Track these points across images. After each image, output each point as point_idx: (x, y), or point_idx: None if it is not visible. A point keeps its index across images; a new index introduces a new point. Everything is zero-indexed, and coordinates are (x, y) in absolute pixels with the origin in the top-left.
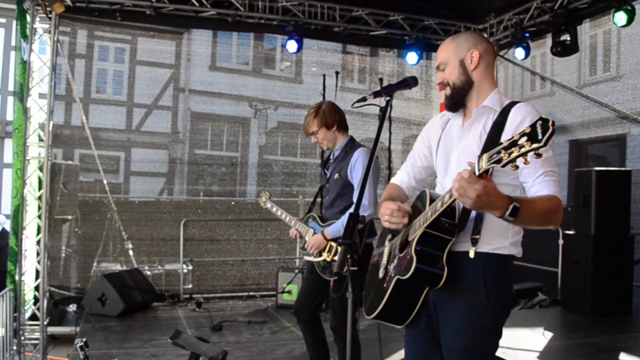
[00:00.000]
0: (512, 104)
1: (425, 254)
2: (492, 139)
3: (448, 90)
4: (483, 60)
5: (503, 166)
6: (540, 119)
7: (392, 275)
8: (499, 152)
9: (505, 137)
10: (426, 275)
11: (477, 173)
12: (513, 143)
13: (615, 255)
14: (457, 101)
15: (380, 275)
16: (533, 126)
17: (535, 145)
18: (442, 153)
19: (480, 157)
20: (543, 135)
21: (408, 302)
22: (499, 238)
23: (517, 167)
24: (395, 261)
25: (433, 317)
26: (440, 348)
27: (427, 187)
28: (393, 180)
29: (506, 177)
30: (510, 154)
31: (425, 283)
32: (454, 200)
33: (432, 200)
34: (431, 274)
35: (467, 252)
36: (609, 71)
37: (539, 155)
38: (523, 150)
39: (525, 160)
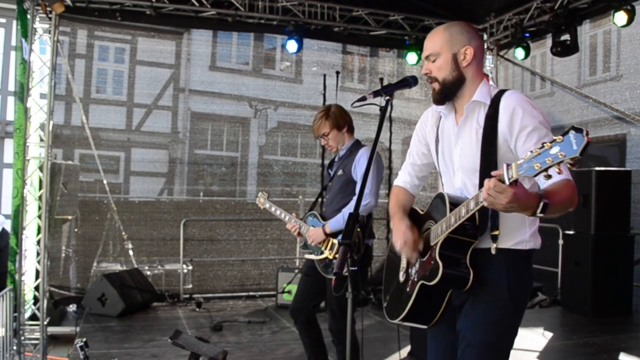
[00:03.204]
0: (501, 92)
1: (450, 258)
2: (489, 133)
3: (437, 86)
4: (476, 57)
5: (535, 176)
6: (573, 127)
7: (416, 280)
8: (530, 161)
9: (501, 129)
10: (453, 280)
11: (507, 182)
12: (545, 152)
13: (615, 255)
14: (446, 96)
15: (402, 279)
16: (565, 135)
17: (571, 156)
18: (442, 153)
19: (509, 166)
20: (578, 147)
21: (433, 304)
22: (518, 231)
23: (549, 176)
24: (417, 265)
25: (456, 313)
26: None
27: (438, 188)
28: (396, 182)
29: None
30: (543, 164)
31: (452, 287)
32: (481, 207)
33: (452, 204)
34: (458, 278)
35: (489, 249)
36: (609, 71)
37: (573, 165)
38: (558, 160)
39: (559, 169)
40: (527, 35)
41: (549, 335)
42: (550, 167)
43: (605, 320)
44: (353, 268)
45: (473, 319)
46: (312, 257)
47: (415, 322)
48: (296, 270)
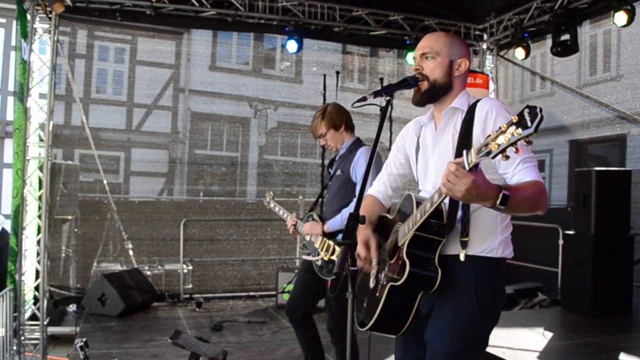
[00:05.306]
0: (478, 100)
1: (417, 257)
2: (464, 137)
3: (425, 85)
4: (466, 72)
5: (494, 157)
6: (527, 106)
7: (385, 283)
8: (487, 145)
9: (475, 133)
10: (420, 279)
11: (467, 167)
12: (501, 133)
13: (615, 255)
14: (431, 98)
15: (372, 285)
16: (520, 114)
17: (526, 132)
18: (421, 160)
19: (468, 151)
20: (532, 122)
21: (403, 309)
22: (488, 237)
23: (507, 157)
24: (387, 268)
25: (423, 322)
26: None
27: (412, 192)
28: (369, 190)
29: (486, 173)
30: (499, 144)
31: (420, 287)
32: (444, 198)
33: (418, 203)
34: (425, 277)
35: (458, 256)
36: (609, 71)
37: (529, 143)
38: (514, 139)
39: (516, 148)
40: (527, 35)
41: (549, 335)
42: (507, 146)
43: (605, 320)
44: (353, 268)
45: (439, 326)
46: (310, 258)
47: (384, 331)
48: (296, 270)
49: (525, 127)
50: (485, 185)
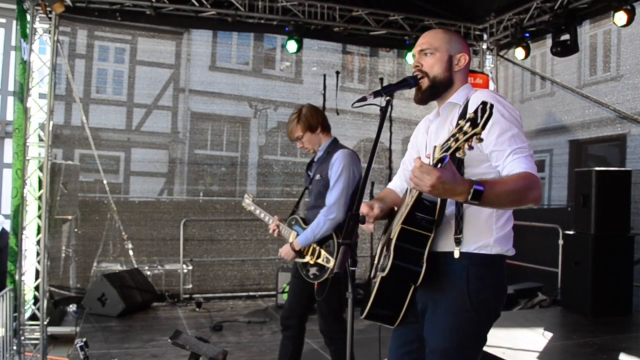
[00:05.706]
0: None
1: (403, 250)
2: None
3: (426, 82)
4: (467, 66)
5: (451, 154)
6: (482, 103)
7: (378, 273)
8: (448, 141)
9: None
10: (404, 272)
11: (431, 163)
12: (459, 130)
13: (615, 255)
14: (432, 94)
15: (372, 274)
16: (475, 111)
17: (474, 131)
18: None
19: (434, 148)
20: (481, 119)
21: (395, 300)
22: (483, 234)
23: (464, 153)
24: (382, 259)
25: (419, 317)
26: (423, 347)
27: None
28: (389, 185)
29: (480, 167)
30: (456, 140)
31: (405, 279)
32: (419, 192)
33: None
34: (409, 271)
35: (452, 253)
36: (609, 71)
37: (480, 140)
38: (466, 136)
39: (469, 145)
40: (527, 35)
41: (549, 335)
42: (462, 142)
43: (605, 320)
44: (354, 268)
45: (433, 324)
46: (298, 259)
47: (380, 320)
48: None
49: (475, 124)
50: (454, 181)
